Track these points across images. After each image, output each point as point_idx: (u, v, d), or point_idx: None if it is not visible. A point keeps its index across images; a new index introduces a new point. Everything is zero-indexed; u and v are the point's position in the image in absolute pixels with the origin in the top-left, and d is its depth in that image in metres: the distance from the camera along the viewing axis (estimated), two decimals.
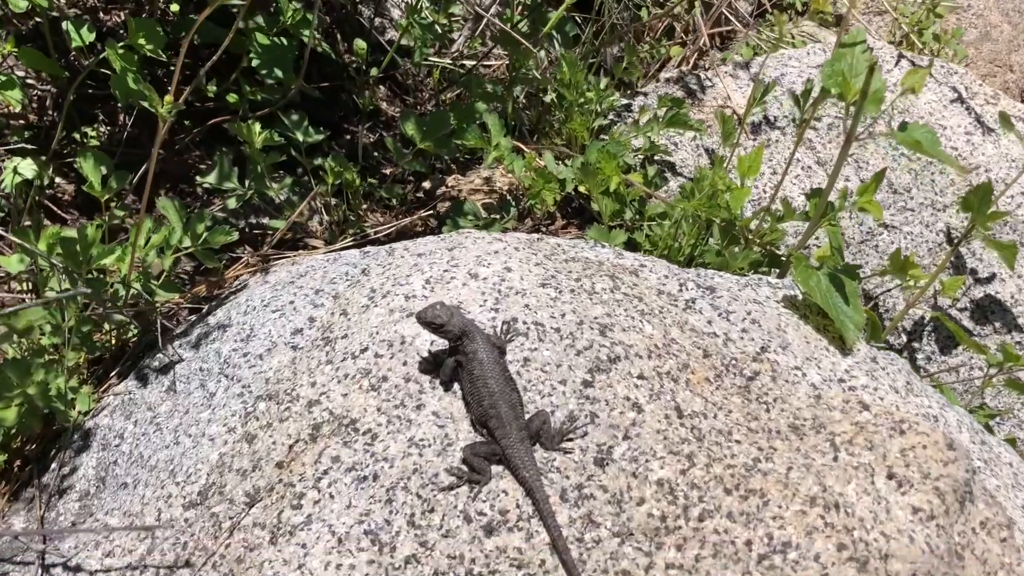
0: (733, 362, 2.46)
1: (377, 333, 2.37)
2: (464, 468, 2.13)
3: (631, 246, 3.27)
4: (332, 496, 2.14)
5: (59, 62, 3.60)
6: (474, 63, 4.06)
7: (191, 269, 3.44)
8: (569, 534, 2.07)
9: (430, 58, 4.24)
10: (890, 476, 2.27)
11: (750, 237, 3.11)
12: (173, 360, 2.76)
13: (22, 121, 3.84)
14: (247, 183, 3.37)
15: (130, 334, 3.09)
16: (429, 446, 2.18)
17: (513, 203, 3.54)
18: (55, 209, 3.55)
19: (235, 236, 2.84)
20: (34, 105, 3.86)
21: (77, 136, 3.83)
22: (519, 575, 2.03)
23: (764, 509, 2.16)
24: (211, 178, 3.35)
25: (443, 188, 3.75)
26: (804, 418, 2.36)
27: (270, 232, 3.39)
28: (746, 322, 2.58)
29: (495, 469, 2.14)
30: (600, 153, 3.28)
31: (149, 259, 2.89)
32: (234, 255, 3.37)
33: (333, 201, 3.56)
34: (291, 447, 2.26)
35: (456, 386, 2.26)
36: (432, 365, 2.29)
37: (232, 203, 3.33)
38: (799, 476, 2.22)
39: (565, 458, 2.17)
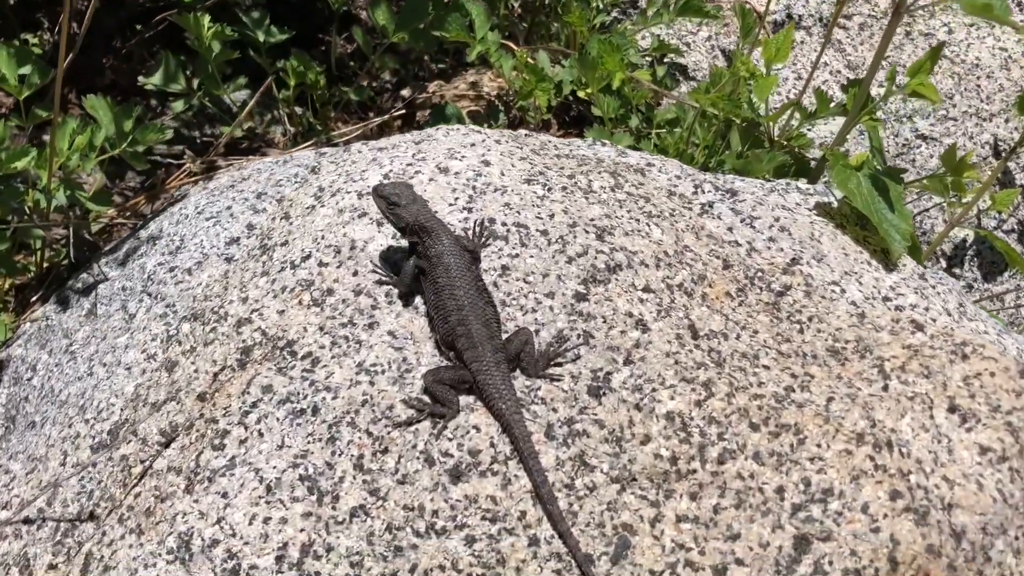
0: (759, 274, 1.99)
1: (323, 237, 1.90)
2: (426, 399, 1.68)
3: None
4: (261, 434, 1.69)
5: None
6: None
7: (137, 184, 2.97)
8: (556, 479, 1.62)
9: None
10: (952, 409, 1.81)
11: (776, 138, 2.62)
12: (97, 280, 2.30)
13: None
14: (196, 85, 2.88)
15: (61, 256, 2.63)
16: (382, 372, 1.73)
17: (502, 109, 3.05)
18: None
19: (168, 134, 2.37)
20: None
21: (16, 43, 3.34)
22: (493, 529, 1.58)
23: (800, 448, 1.70)
24: (155, 79, 2.87)
25: (424, 95, 3.26)
26: (846, 340, 1.89)
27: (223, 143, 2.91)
28: (773, 230, 2.11)
29: (464, 400, 1.69)
30: (602, 45, 2.78)
31: (72, 163, 2.43)
32: (181, 162, 2.89)
33: (298, 111, 3.08)
34: (216, 375, 1.80)
35: (418, 299, 1.80)
36: (389, 271, 1.83)
37: (178, 106, 2.86)
38: (842, 409, 1.76)
39: (552, 386, 1.71)
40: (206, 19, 2.79)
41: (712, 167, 2.76)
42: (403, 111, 2.95)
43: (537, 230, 1.89)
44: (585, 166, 2.12)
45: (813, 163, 2.63)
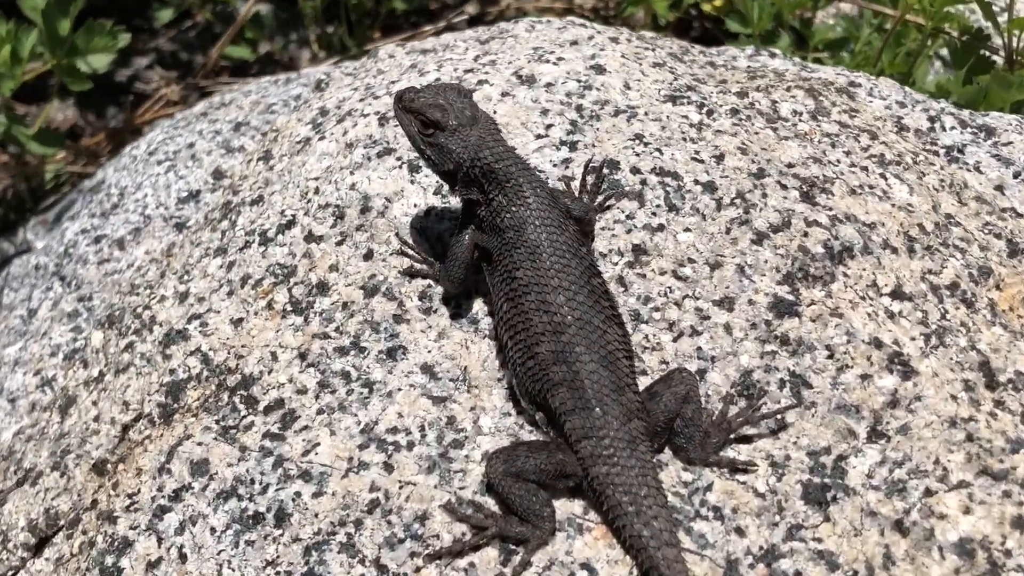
0: None
1: (316, 192, 1.04)
2: (491, 506, 0.82)
3: None
4: (183, 557, 0.85)
5: None
6: None
7: (121, 123, 2.15)
8: None
9: None
10: None
11: (1019, 60, 1.66)
12: (19, 250, 1.50)
13: None
14: None
15: None
16: (409, 447, 0.87)
17: (599, 24, 2.14)
18: None
19: (123, 41, 1.53)
20: None
21: None
22: None
23: None
24: None
25: (495, 8, 2.37)
26: None
27: (221, 61, 2.06)
28: None
29: (564, 508, 0.82)
30: None
31: (3, 89, 1.61)
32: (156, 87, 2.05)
33: (329, 30, 2.22)
34: (125, 430, 0.98)
35: (478, 303, 0.94)
36: (429, 251, 0.97)
37: (164, 15, 2.02)
38: None
39: (733, 483, 0.84)
40: None
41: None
42: (446, 23, 2.07)
43: (696, 182, 1.00)
44: (760, 79, 1.22)
45: None
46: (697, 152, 1.02)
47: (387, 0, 2.10)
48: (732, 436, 0.85)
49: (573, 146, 1.03)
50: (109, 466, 0.96)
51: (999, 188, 1.20)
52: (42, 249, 1.39)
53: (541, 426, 0.85)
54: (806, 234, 0.97)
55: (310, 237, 1.00)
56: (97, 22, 1.53)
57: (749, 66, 1.32)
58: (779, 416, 0.87)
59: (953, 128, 1.28)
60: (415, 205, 0.99)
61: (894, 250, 1.00)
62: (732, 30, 1.97)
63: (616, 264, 0.93)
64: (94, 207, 1.35)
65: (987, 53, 1.70)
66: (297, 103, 1.32)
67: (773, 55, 1.41)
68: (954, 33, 1.71)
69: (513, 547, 0.81)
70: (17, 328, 1.24)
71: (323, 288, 0.97)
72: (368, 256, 0.97)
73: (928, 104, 1.32)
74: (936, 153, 1.21)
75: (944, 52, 1.94)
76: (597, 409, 0.81)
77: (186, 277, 1.06)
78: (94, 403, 1.03)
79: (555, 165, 1.01)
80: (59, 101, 1.98)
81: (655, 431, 0.84)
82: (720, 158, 1.02)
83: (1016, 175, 1.22)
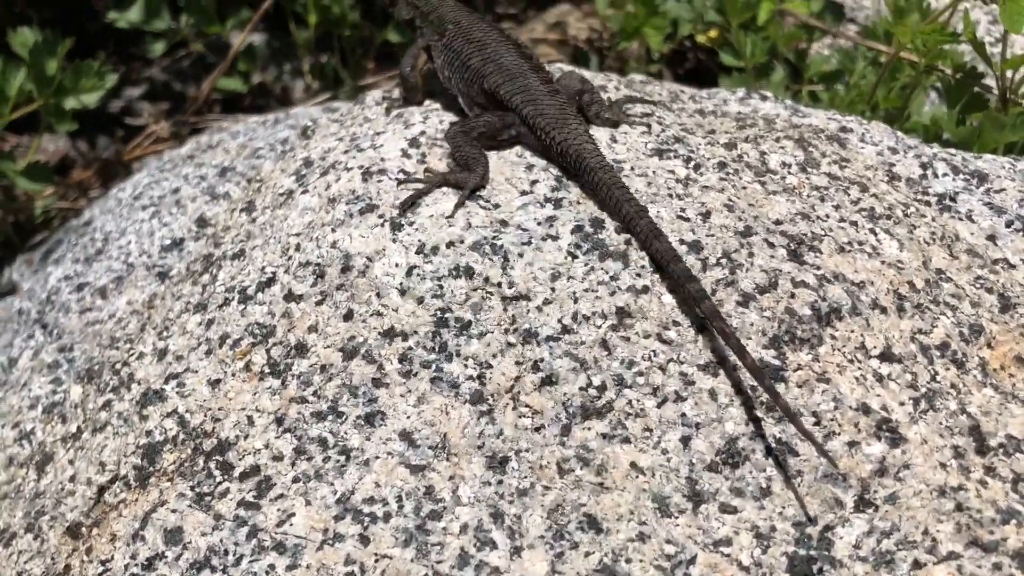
0: None
1: (297, 248, 1.03)
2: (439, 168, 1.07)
3: None
4: None
5: None
6: None
7: (112, 155, 2.14)
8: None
9: None
10: None
11: (1012, 96, 1.65)
12: (4, 290, 1.49)
13: None
14: (183, 21, 2.03)
15: None
16: (386, 517, 0.86)
17: (594, 56, 2.13)
18: None
19: (111, 81, 1.52)
20: None
21: None
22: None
23: None
24: (131, 14, 2.03)
25: None
26: None
27: (214, 94, 2.05)
28: None
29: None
30: None
31: None
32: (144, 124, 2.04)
33: (324, 59, 2.21)
34: (101, 492, 0.96)
35: (456, 363, 0.92)
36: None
37: (158, 48, 2.01)
38: None
39: (717, 555, 0.82)
40: None
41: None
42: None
43: (682, 242, 0.98)
44: (749, 129, 1.20)
45: None
46: (683, 210, 1.01)
47: (380, 32, 2.09)
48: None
49: (558, 203, 1.01)
50: (84, 530, 0.94)
51: (991, 238, 1.18)
52: (26, 292, 1.37)
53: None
54: (793, 295, 0.95)
55: (290, 296, 0.98)
56: (84, 63, 1.52)
57: (739, 111, 1.31)
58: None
59: (946, 175, 1.26)
60: (396, 264, 0.97)
61: (883, 310, 0.98)
62: (726, 63, 1.96)
63: (600, 327, 0.92)
64: (78, 252, 1.33)
65: (981, 91, 1.69)
66: (283, 148, 1.31)
67: (764, 98, 1.40)
68: (948, 71, 1.69)
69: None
70: None
71: (301, 349, 0.95)
72: (348, 316, 0.95)
73: (920, 150, 1.30)
74: (928, 203, 1.19)
75: (940, 84, 1.92)
76: (522, 79, 1.10)
77: (165, 333, 1.04)
78: (71, 462, 1.01)
79: (539, 223, 0.99)
80: (49, 133, 1.97)
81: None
82: (706, 215, 1.00)
83: (1008, 224, 1.20)
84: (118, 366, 1.04)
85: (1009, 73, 1.60)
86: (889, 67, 1.70)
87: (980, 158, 1.37)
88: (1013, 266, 1.15)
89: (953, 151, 1.37)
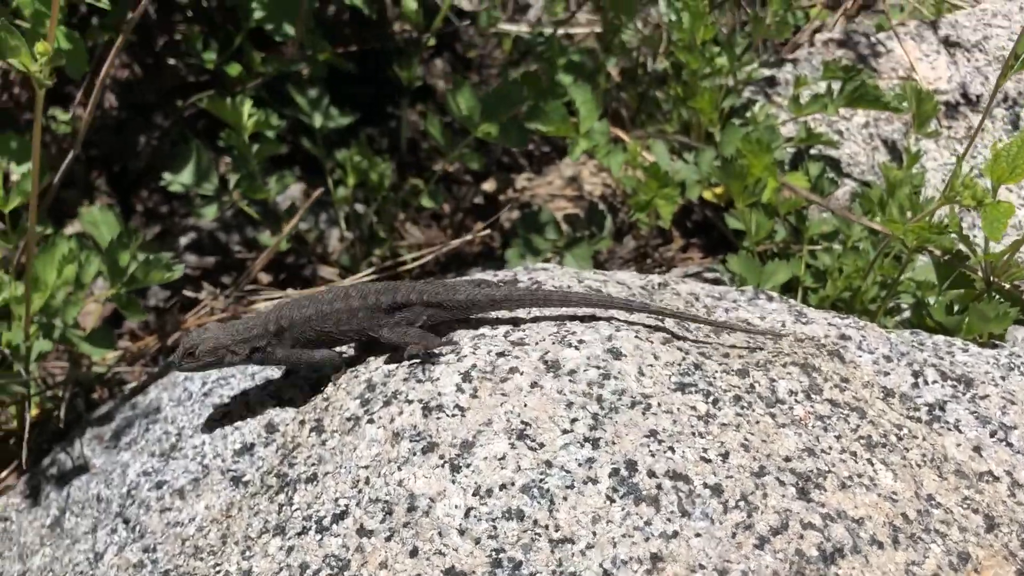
0: None
1: (367, 482, 1.17)
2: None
3: (787, 287, 2.00)
4: None
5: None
6: (554, 30, 2.82)
7: (162, 302, 2.30)
8: None
9: (500, 24, 3.02)
10: None
11: (995, 281, 1.81)
12: (76, 464, 1.62)
13: None
14: (232, 184, 2.21)
15: (51, 405, 1.97)
16: None
17: (608, 214, 2.30)
18: None
19: (178, 272, 1.68)
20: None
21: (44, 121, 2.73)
22: None
23: None
24: (183, 177, 2.20)
25: (510, 192, 2.53)
26: None
27: (257, 256, 2.21)
28: None
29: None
30: (745, 143, 2.02)
31: (56, 304, 1.76)
32: (199, 297, 2.20)
33: (360, 209, 2.39)
34: None
35: None
36: None
37: (210, 212, 2.18)
38: None
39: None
40: (247, 105, 2.12)
41: (888, 309, 1.97)
42: (490, 225, 2.22)
43: (705, 485, 1.12)
44: (759, 352, 1.35)
45: None
46: (705, 450, 1.15)
47: (415, 198, 2.26)
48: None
49: (596, 443, 1.15)
50: None
51: (977, 449, 1.32)
52: (103, 478, 1.51)
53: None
54: (802, 536, 1.09)
55: (362, 531, 1.12)
56: (155, 257, 1.68)
57: (747, 319, 1.46)
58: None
59: (935, 382, 1.41)
60: (456, 506, 1.11)
61: (880, 544, 1.12)
62: (732, 226, 2.13)
63: (636, 572, 1.05)
64: (152, 444, 1.47)
65: (967, 271, 1.85)
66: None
67: (771, 298, 1.56)
68: (937, 252, 1.86)
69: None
70: (84, 570, 1.35)
71: None
72: (414, 553, 1.09)
73: (912, 356, 1.45)
74: (919, 419, 1.33)
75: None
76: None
77: (248, 553, 1.17)
78: None
79: (580, 464, 1.13)
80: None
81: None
82: (725, 456, 1.15)
83: (992, 434, 1.34)
84: None
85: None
86: (883, 248, 1.87)
87: (967, 351, 1.52)
88: (997, 478, 1.29)
89: (940, 343, 1.53)
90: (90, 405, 1.90)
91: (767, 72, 2.63)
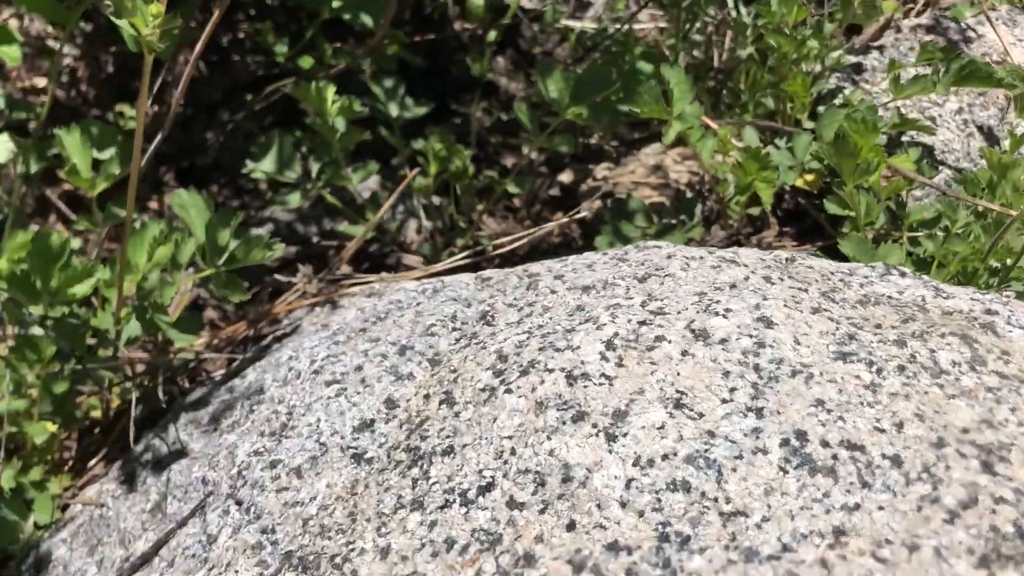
0: None
1: (512, 452, 1.09)
2: None
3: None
4: None
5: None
6: (624, 23, 2.77)
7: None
8: None
9: (564, 20, 2.98)
10: None
11: None
12: (172, 450, 1.56)
13: (43, 96, 2.75)
14: (315, 172, 2.16)
15: (132, 395, 1.91)
16: None
17: (698, 201, 2.23)
18: (67, 211, 2.42)
19: (278, 251, 1.62)
20: (65, 77, 2.77)
21: (111, 116, 2.72)
22: None
23: None
24: (265, 165, 2.16)
25: (590, 182, 2.47)
26: None
27: (345, 244, 2.16)
28: None
29: None
30: (850, 123, 1.95)
31: (149, 286, 1.71)
32: (292, 280, 2.15)
33: (436, 200, 2.33)
34: None
35: None
36: None
37: (294, 199, 2.13)
38: None
39: None
40: (331, 90, 2.08)
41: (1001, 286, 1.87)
42: (576, 214, 2.14)
43: (883, 456, 1.04)
44: (911, 323, 1.27)
45: None
46: (878, 420, 1.07)
47: (497, 185, 2.20)
48: None
49: (760, 413, 1.08)
50: None
51: None
52: (205, 461, 1.45)
53: None
54: (994, 511, 1.00)
55: (512, 503, 1.05)
56: (255, 235, 1.62)
57: (882, 293, 1.37)
58: None
59: None
60: (615, 476, 1.03)
61: None
62: (831, 212, 2.05)
63: (818, 546, 0.97)
64: (261, 424, 1.41)
65: None
66: (456, 326, 1.38)
67: (903, 274, 1.47)
68: None
69: None
70: (196, 554, 1.29)
71: (530, 560, 1.01)
72: (571, 527, 1.01)
73: None
74: None
75: None
76: None
77: (383, 529, 1.10)
78: None
79: (745, 435, 1.05)
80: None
81: None
82: (900, 426, 1.07)
83: None
84: (338, 560, 1.11)
85: None
86: (1005, 229, 1.77)
87: None
88: None
89: None
90: (173, 393, 1.85)
91: (853, 59, 2.55)
